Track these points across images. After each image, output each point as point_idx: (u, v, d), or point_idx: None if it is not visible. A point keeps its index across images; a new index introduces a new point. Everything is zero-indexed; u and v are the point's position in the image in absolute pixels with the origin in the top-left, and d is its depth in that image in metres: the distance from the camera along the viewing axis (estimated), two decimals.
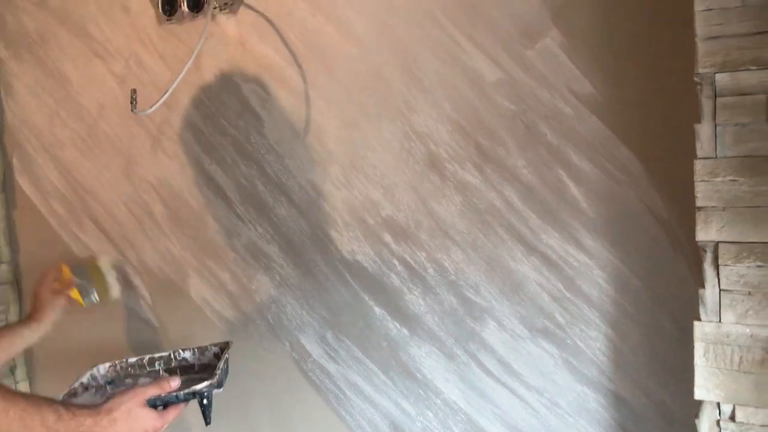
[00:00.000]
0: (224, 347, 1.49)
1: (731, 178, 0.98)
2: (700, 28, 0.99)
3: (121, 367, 1.51)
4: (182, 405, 1.30)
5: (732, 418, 1.00)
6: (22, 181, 2.01)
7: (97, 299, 1.75)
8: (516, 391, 1.41)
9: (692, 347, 1.02)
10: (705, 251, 1.00)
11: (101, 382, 1.47)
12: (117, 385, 1.47)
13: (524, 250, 1.36)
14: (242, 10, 1.60)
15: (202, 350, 1.52)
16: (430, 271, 1.46)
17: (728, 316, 0.99)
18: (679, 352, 1.22)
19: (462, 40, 1.36)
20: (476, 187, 1.39)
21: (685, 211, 1.09)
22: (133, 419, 1.21)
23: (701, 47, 0.99)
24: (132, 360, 1.51)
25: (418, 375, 1.50)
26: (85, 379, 1.43)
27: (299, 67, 1.55)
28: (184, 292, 1.78)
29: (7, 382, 2.04)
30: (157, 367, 1.50)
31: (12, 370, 2.06)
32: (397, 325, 1.51)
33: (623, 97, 1.24)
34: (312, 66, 1.54)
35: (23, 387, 2.09)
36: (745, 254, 0.98)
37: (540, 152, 1.32)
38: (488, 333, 1.42)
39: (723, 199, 0.99)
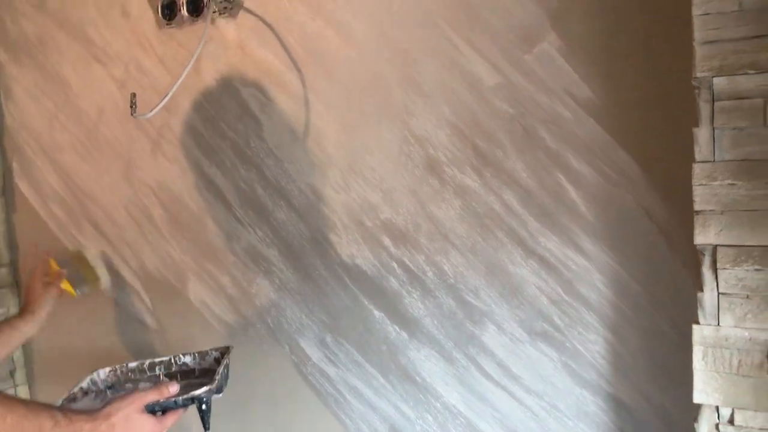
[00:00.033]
0: (225, 352, 1.48)
1: (729, 181, 0.98)
2: (698, 32, 0.99)
3: (121, 371, 1.50)
4: (181, 410, 1.29)
5: (731, 421, 1.00)
6: (22, 185, 2.01)
7: (88, 289, 1.82)
8: (515, 394, 1.41)
9: (691, 351, 1.02)
10: (703, 255, 1.00)
11: (101, 386, 1.47)
12: (117, 389, 1.46)
13: (523, 253, 1.36)
14: (242, 14, 1.60)
15: (203, 355, 1.52)
16: (429, 274, 1.46)
17: (727, 320, 0.99)
18: (678, 356, 1.22)
19: (461, 45, 1.37)
20: (475, 191, 1.39)
21: (684, 215, 1.09)
22: (131, 425, 1.21)
23: (699, 51, 0.99)
24: (132, 365, 1.51)
25: (417, 378, 1.51)
26: (84, 383, 1.43)
27: (298, 71, 1.55)
28: (184, 295, 1.79)
29: (7, 385, 2.04)
30: (157, 371, 1.50)
31: (12, 373, 2.06)
32: (397, 329, 1.51)
33: (621, 100, 1.24)
34: (311, 70, 1.54)
35: (23, 390, 2.09)
36: (743, 258, 0.98)
37: (539, 156, 1.32)
38: (487, 336, 1.42)
39: (721, 203, 0.99)
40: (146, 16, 1.73)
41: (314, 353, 1.62)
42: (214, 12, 1.60)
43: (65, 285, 1.75)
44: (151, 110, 1.48)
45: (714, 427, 1.01)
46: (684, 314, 1.18)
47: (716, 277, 1.00)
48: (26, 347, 2.10)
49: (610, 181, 1.27)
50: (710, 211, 0.99)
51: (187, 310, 1.79)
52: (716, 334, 1.00)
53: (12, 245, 2.06)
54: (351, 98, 1.50)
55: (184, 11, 1.65)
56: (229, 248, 1.70)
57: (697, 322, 1.02)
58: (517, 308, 1.38)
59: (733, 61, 0.97)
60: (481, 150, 1.37)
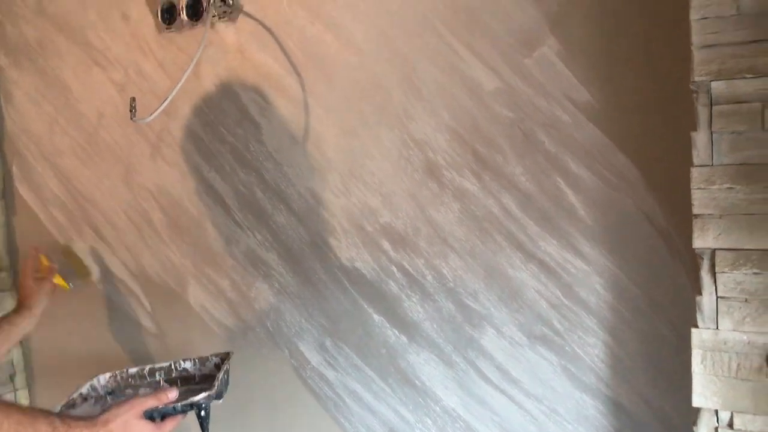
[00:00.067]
0: (225, 358, 1.48)
1: (728, 185, 0.98)
2: (696, 36, 0.99)
3: (121, 377, 1.50)
4: (180, 416, 1.29)
5: (730, 425, 1.00)
6: (22, 189, 2.01)
7: (80, 281, 1.87)
8: (515, 398, 1.41)
9: (690, 354, 1.02)
10: (702, 258, 1.01)
11: (101, 392, 1.47)
12: (117, 395, 1.46)
13: (522, 257, 1.36)
14: (241, 18, 1.60)
15: (203, 361, 1.52)
16: (429, 278, 1.46)
17: (725, 323, 0.99)
18: (677, 359, 1.22)
19: (460, 49, 1.37)
20: (474, 195, 1.39)
21: (683, 219, 1.09)
22: (129, 431, 1.21)
23: (697, 55, 0.99)
24: (133, 370, 1.51)
25: (416, 382, 1.51)
26: (84, 389, 1.43)
27: (298, 75, 1.55)
28: (184, 299, 1.79)
29: (7, 389, 2.04)
30: (157, 377, 1.50)
31: (11, 377, 2.06)
32: (396, 332, 1.52)
33: (620, 104, 1.25)
34: (311, 74, 1.54)
35: (23, 394, 2.09)
36: (741, 261, 0.98)
37: (538, 160, 1.32)
38: (487, 340, 1.42)
39: (719, 207, 0.99)
40: (146, 21, 1.73)
41: (313, 357, 1.62)
42: (213, 16, 1.60)
43: (58, 279, 1.79)
44: (151, 114, 1.48)
45: (713, 430, 1.01)
46: (683, 318, 1.18)
47: (715, 281, 1.00)
48: (26, 351, 2.10)
49: (609, 185, 1.27)
50: (709, 214, 0.99)
51: (187, 314, 1.79)
52: (715, 338, 1.00)
53: (12, 249, 2.06)
54: (350, 102, 1.50)
55: (184, 15, 1.65)
56: (229, 252, 1.70)
57: (696, 326, 1.02)
58: (516, 312, 1.38)
59: (731, 65, 0.97)
60: (481, 154, 1.38)
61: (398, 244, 1.49)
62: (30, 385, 2.11)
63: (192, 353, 1.56)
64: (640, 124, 1.23)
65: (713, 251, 1.00)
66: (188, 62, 1.54)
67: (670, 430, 1.26)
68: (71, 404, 1.37)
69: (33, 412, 1.15)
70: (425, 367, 1.49)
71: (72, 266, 1.87)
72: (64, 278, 1.81)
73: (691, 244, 1.01)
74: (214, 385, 1.31)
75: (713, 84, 0.99)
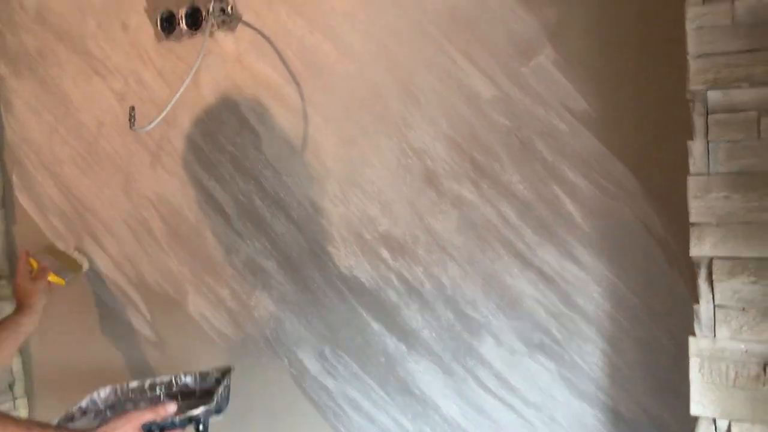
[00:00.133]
0: (226, 372, 1.48)
1: (724, 194, 0.99)
2: (692, 45, 1.00)
3: (121, 391, 1.50)
4: (178, 431, 1.29)
5: None
6: (22, 198, 2.02)
7: (73, 276, 1.87)
8: (514, 406, 1.41)
9: (688, 363, 1.02)
10: (699, 267, 1.01)
11: (101, 406, 1.46)
12: (117, 409, 1.46)
13: (521, 265, 1.36)
14: (240, 27, 1.61)
15: (204, 375, 1.52)
16: (427, 286, 1.46)
17: (723, 332, 1.00)
18: (676, 367, 1.22)
19: (458, 58, 1.37)
20: (472, 203, 1.39)
21: (681, 227, 1.10)
22: None
23: (693, 65, 1.00)
24: (133, 384, 1.51)
25: (416, 391, 1.50)
26: (84, 403, 1.43)
27: (297, 84, 1.56)
28: (183, 308, 1.79)
29: (6, 398, 2.04)
30: (158, 392, 1.50)
31: (10, 386, 2.06)
32: (395, 341, 1.51)
33: (618, 113, 1.25)
34: (310, 83, 1.55)
35: (22, 403, 2.08)
36: (739, 270, 0.98)
37: (535, 168, 1.33)
38: (486, 348, 1.42)
39: (716, 215, 0.99)
40: (146, 30, 1.74)
41: (313, 366, 1.62)
42: (212, 25, 1.61)
43: (52, 277, 1.79)
44: (150, 123, 1.48)
45: None
46: (681, 326, 1.17)
47: (712, 290, 1.00)
48: (25, 360, 2.09)
49: (607, 194, 1.27)
50: (706, 223, 1.00)
51: (187, 323, 1.79)
52: (712, 347, 1.00)
53: (12, 258, 2.06)
54: (349, 111, 1.51)
55: (183, 25, 1.66)
56: (228, 261, 1.70)
57: (694, 335, 1.02)
58: (514, 320, 1.38)
59: (727, 74, 0.98)
60: (479, 162, 1.38)
61: (397, 253, 1.49)
62: (29, 394, 2.11)
63: (191, 362, 1.56)
64: (637, 133, 1.24)
65: (710, 260, 1.00)
66: (187, 71, 1.54)
67: None
68: (70, 417, 1.37)
69: (30, 424, 1.15)
70: (424, 375, 1.49)
71: (62, 262, 1.88)
72: (58, 275, 1.82)
73: (688, 253, 1.02)
74: (213, 399, 1.31)
75: (709, 93, 0.99)
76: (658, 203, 1.23)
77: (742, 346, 0.98)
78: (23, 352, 2.08)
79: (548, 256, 1.33)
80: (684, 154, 1.02)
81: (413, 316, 1.49)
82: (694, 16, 0.99)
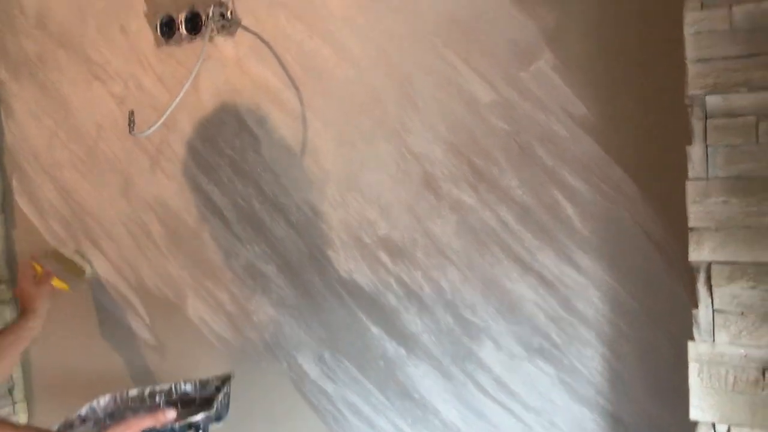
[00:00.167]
0: (226, 380, 1.48)
1: (723, 198, 0.99)
2: (691, 50, 1.00)
3: (121, 399, 1.50)
4: None
5: None
6: (22, 202, 2.02)
7: (77, 281, 1.88)
8: (513, 410, 1.41)
9: (688, 367, 1.02)
10: (698, 272, 1.01)
11: (101, 414, 1.46)
12: (117, 418, 1.46)
13: (520, 269, 1.36)
14: (240, 32, 1.61)
15: (204, 383, 1.52)
16: (427, 290, 1.46)
17: (722, 337, 1.00)
18: (675, 372, 1.21)
19: (457, 63, 1.38)
20: (471, 207, 1.39)
21: (680, 231, 1.09)
22: None
23: (691, 69, 1.00)
24: (133, 392, 1.51)
25: (415, 395, 1.50)
26: (83, 411, 1.43)
27: (296, 88, 1.56)
28: (183, 312, 1.79)
29: (6, 402, 2.04)
30: (158, 400, 1.50)
31: (10, 390, 2.06)
32: (395, 345, 1.51)
33: (617, 118, 1.25)
34: (309, 88, 1.55)
35: (21, 407, 2.08)
36: (738, 275, 0.98)
37: (535, 172, 1.33)
38: (485, 353, 1.42)
39: (715, 220, 0.99)
40: (145, 35, 1.74)
41: (312, 370, 1.62)
42: (212, 30, 1.61)
43: (56, 282, 1.80)
44: (150, 128, 1.48)
45: None
46: (681, 330, 1.17)
47: (711, 294, 1.00)
48: (25, 364, 2.10)
49: (606, 198, 1.27)
50: (705, 228, 1.00)
51: (186, 327, 1.79)
52: (712, 351, 1.00)
53: (11, 262, 2.07)
54: (348, 115, 1.51)
55: (183, 29, 1.66)
56: (228, 265, 1.70)
57: (693, 339, 1.02)
58: (514, 324, 1.38)
59: (725, 79, 0.98)
60: (477, 167, 1.38)
61: (396, 257, 1.49)
62: (29, 399, 2.11)
63: (191, 366, 1.56)
64: (636, 138, 1.24)
65: (709, 264, 1.00)
66: (187, 76, 1.54)
67: None
68: (69, 425, 1.37)
69: (29, 429, 1.15)
70: (424, 379, 1.49)
71: (65, 268, 1.88)
72: (63, 280, 1.82)
73: (687, 257, 1.02)
74: (213, 406, 1.31)
75: (708, 98, 0.99)
76: (657, 208, 1.23)
77: (741, 351, 0.98)
78: (23, 356, 2.08)
79: (548, 261, 1.33)
80: (683, 159, 1.02)
81: (413, 320, 1.49)
82: (692, 21, 0.99)
